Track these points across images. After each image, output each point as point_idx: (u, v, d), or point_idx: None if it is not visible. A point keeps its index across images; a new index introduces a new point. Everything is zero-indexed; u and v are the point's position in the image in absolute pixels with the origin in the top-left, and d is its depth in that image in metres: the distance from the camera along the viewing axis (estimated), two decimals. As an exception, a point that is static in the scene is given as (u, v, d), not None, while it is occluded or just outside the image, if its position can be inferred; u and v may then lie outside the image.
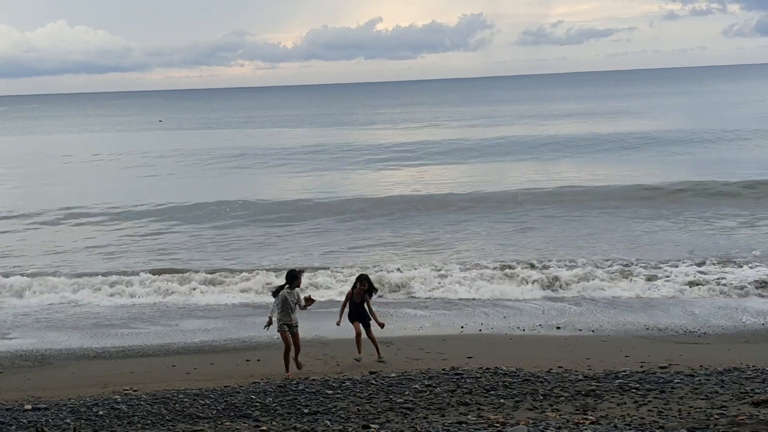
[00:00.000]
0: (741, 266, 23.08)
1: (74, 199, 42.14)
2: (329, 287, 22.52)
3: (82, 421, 12.16)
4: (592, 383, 13.24)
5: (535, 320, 19.24)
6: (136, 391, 13.94)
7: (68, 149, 76.82)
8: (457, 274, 23.36)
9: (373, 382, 13.80)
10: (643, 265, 23.55)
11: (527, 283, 22.25)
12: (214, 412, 12.50)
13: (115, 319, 20.87)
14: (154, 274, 24.45)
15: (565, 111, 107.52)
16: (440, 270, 23.87)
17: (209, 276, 24.05)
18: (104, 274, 24.90)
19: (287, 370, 14.77)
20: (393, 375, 14.25)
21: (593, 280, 22.19)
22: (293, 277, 14.85)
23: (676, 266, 23.26)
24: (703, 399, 12.08)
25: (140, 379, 14.91)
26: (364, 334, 15.68)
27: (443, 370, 14.53)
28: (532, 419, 11.26)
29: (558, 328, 18.52)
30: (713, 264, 23.44)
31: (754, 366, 14.09)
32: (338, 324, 15.70)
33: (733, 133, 62.64)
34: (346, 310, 15.81)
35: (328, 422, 11.63)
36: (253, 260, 26.68)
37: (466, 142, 66.05)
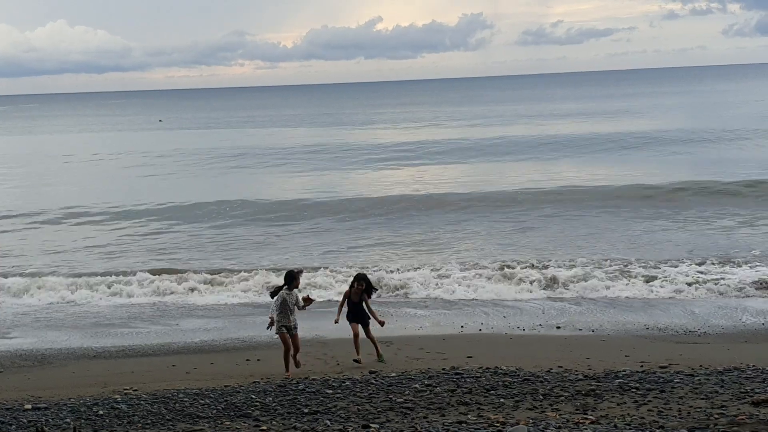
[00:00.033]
0: (741, 266, 23.09)
1: (74, 198, 42.15)
2: (329, 287, 22.51)
3: (82, 420, 12.16)
4: (592, 383, 13.24)
5: (535, 320, 19.23)
6: (136, 390, 13.94)
7: (68, 149, 76.82)
8: (456, 273, 23.37)
9: (373, 381, 13.80)
10: (642, 264, 23.56)
11: (527, 283, 22.24)
12: (214, 411, 12.50)
13: (114, 319, 20.87)
14: (153, 274, 24.45)
15: (565, 111, 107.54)
16: (440, 270, 23.87)
17: (209, 275, 24.05)
18: (104, 274, 24.90)
19: (287, 369, 14.77)
20: (393, 374, 14.25)
21: (593, 279, 22.18)
22: (292, 278, 14.82)
23: (676, 266, 23.27)
24: (703, 399, 12.08)
25: (140, 379, 14.90)
26: (362, 335, 15.63)
27: (443, 369, 14.53)
28: (532, 419, 11.26)
29: (558, 327, 18.52)
30: (713, 264, 23.45)
31: (754, 366, 14.09)
32: (336, 322, 15.65)
33: (733, 132, 62.66)
34: (345, 309, 15.77)
35: (328, 422, 11.63)
36: (252, 260, 26.68)
37: (466, 141, 66.05)
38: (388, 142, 68.45)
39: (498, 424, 11.00)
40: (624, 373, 13.83)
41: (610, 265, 23.55)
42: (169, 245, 30.14)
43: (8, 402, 13.43)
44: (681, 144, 57.60)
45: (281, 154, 62.24)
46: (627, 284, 21.78)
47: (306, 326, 17.68)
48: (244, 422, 11.87)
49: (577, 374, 13.89)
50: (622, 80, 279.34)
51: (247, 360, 16.20)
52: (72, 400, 13.38)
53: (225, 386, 13.95)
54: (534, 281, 22.30)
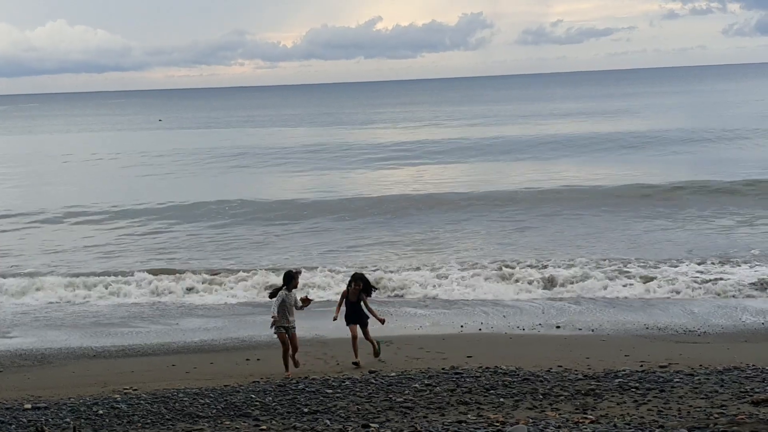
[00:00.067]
0: (740, 265, 23.09)
1: (73, 198, 42.14)
2: (328, 287, 22.49)
3: (82, 420, 12.16)
4: (592, 382, 13.25)
5: (534, 319, 19.24)
6: (135, 390, 13.94)
7: (68, 148, 76.82)
8: (456, 273, 23.37)
9: (373, 381, 13.80)
10: (642, 264, 23.56)
11: (526, 283, 22.23)
12: (214, 411, 12.50)
13: (114, 318, 20.87)
14: (153, 274, 24.43)
15: (565, 110, 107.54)
16: (439, 269, 23.87)
17: (208, 275, 24.05)
18: (103, 274, 24.89)
19: (287, 369, 14.77)
20: (393, 374, 14.25)
21: (592, 279, 22.17)
22: (290, 278, 14.83)
23: (676, 266, 23.28)
24: (702, 398, 12.08)
25: (140, 378, 14.91)
26: (361, 336, 15.57)
27: (443, 369, 14.54)
28: (531, 418, 11.26)
29: (558, 327, 18.52)
30: (713, 263, 23.45)
31: (753, 365, 14.09)
32: (334, 319, 15.51)
33: (732, 132, 62.66)
34: (343, 308, 15.66)
35: (328, 421, 11.63)
36: (252, 259, 26.68)
37: (466, 141, 66.06)
38: (387, 142, 68.45)
39: (498, 424, 11.01)
40: (624, 372, 13.84)
41: (610, 265, 23.55)
42: (168, 245, 30.14)
43: (8, 401, 13.43)
44: (680, 143, 57.60)
45: (281, 154, 62.24)
46: (626, 284, 21.77)
47: (306, 326, 17.69)
48: (244, 422, 11.87)
49: (576, 374, 13.90)
50: (622, 80, 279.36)
51: (247, 360, 16.20)
52: (72, 399, 13.39)
53: (225, 386, 13.95)
54: (533, 281, 22.30)
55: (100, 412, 12.56)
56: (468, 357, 15.54)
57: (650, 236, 28.20)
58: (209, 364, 16.01)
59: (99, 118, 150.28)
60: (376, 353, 15.59)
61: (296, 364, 14.87)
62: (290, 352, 14.84)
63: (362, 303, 15.51)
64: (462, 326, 18.80)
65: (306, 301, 14.92)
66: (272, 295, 14.88)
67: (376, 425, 11.25)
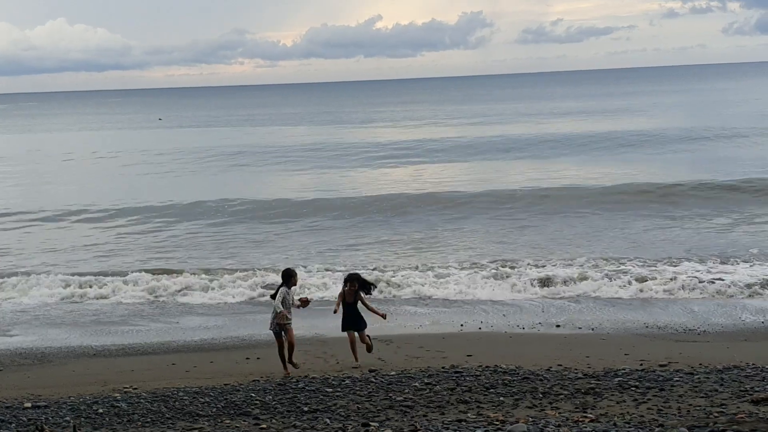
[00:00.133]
0: (740, 264, 23.11)
1: (73, 197, 42.13)
2: (327, 286, 22.47)
3: (82, 419, 12.16)
4: (592, 381, 13.25)
5: (534, 318, 19.24)
6: (135, 389, 13.94)
7: (68, 147, 76.78)
8: (455, 272, 23.37)
9: (373, 380, 13.81)
10: (641, 263, 23.57)
11: (526, 282, 22.22)
12: (214, 410, 12.50)
13: (114, 316, 20.88)
14: (153, 273, 24.44)
15: (565, 109, 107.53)
16: (439, 268, 23.87)
17: (208, 274, 24.04)
18: (103, 272, 24.90)
19: (285, 368, 14.75)
20: (393, 373, 14.26)
21: (592, 278, 22.18)
22: (289, 276, 14.83)
23: (675, 264, 23.29)
24: (702, 397, 12.09)
25: (140, 377, 14.91)
26: (358, 339, 15.45)
27: (443, 368, 14.54)
28: (531, 417, 11.27)
29: (557, 326, 18.53)
30: (712, 262, 23.46)
31: (753, 364, 14.10)
32: (335, 312, 15.36)
33: (732, 131, 62.65)
34: (340, 310, 15.48)
35: (328, 420, 11.63)
36: (252, 258, 26.68)
37: (465, 140, 66.05)
38: (387, 141, 68.43)
39: (497, 423, 11.01)
40: (623, 371, 13.84)
41: (610, 264, 23.56)
42: (168, 243, 30.15)
43: (8, 400, 13.43)
44: (680, 142, 57.59)
45: (281, 153, 62.22)
46: (626, 283, 21.76)
47: (305, 325, 17.71)
48: (244, 420, 11.88)
49: (576, 372, 13.90)
50: (622, 79, 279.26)
51: (247, 358, 16.21)
52: (72, 398, 13.39)
53: (225, 385, 13.96)
54: (533, 280, 22.29)
55: (100, 410, 12.56)
56: (468, 356, 15.54)
57: (649, 235, 28.21)
58: (209, 363, 16.01)
59: (99, 117, 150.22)
60: (369, 348, 15.40)
61: (295, 366, 14.82)
62: (285, 348, 14.76)
63: (361, 303, 15.38)
64: (462, 325, 18.80)
65: (305, 302, 14.90)
66: (273, 295, 14.88)
67: (376, 424, 11.26)
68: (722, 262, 23.42)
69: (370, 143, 67.33)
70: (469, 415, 11.63)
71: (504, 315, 19.68)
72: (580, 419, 11.06)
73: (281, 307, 14.54)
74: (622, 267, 23.16)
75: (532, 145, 60.22)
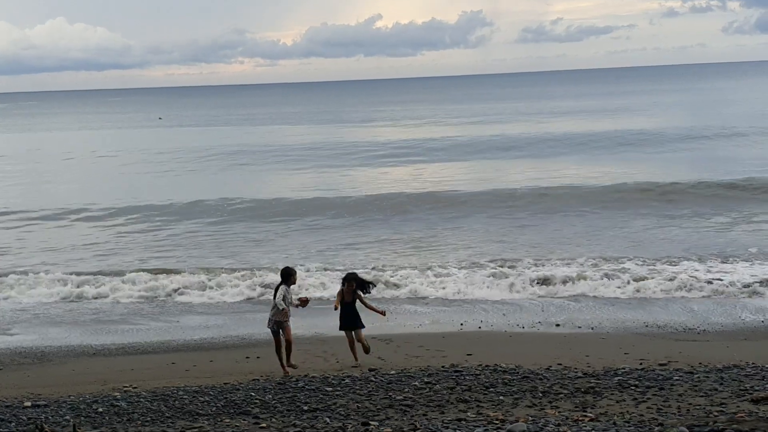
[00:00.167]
0: (739, 263, 23.11)
1: (73, 196, 42.13)
2: (326, 286, 22.44)
3: (82, 418, 12.16)
4: (592, 380, 13.25)
5: (534, 317, 19.24)
6: (135, 388, 13.95)
7: (67, 146, 76.76)
8: (455, 271, 23.37)
9: (373, 379, 13.81)
10: (641, 262, 23.57)
11: (526, 281, 22.21)
12: (214, 409, 12.51)
13: (114, 315, 20.89)
14: (153, 272, 24.44)
15: (565, 108, 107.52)
16: (439, 267, 23.87)
17: (208, 273, 24.04)
18: (103, 271, 24.91)
19: (283, 367, 14.70)
20: (392, 372, 14.26)
21: (592, 277, 22.17)
22: (288, 275, 14.81)
23: (675, 263, 23.29)
24: (702, 396, 12.09)
25: (140, 376, 14.91)
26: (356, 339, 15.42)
27: (443, 367, 14.54)
28: (531, 416, 11.27)
29: (557, 325, 18.53)
30: (712, 261, 23.47)
31: (753, 363, 14.11)
32: (336, 308, 15.39)
33: (731, 130, 62.66)
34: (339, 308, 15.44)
35: (328, 419, 11.63)
36: (252, 257, 26.68)
37: (465, 139, 66.05)
38: (387, 140, 68.41)
39: (497, 422, 11.01)
40: (623, 370, 13.85)
41: (609, 263, 23.56)
42: (168, 243, 30.15)
43: (8, 399, 13.44)
44: (680, 141, 57.60)
45: (280, 152, 62.21)
46: (625, 282, 21.76)
47: (305, 324, 17.72)
48: (244, 419, 11.88)
49: (576, 372, 13.91)
50: (622, 78, 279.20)
51: (247, 357, 16.20)
52: (72, 397, 13.39)
53: (224, 384, 13.96)
54: (533, 279, 22.28)
55: (100, 410, 12.56)
56: (468, 355, 15.54)
57: (649, 234, 28.22)
58: (209, 362, 16.01)
59: (99, 116, 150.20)
60: (366, 350, 15.35)
61: (293, 367, 14.75)
62: (283, 347, 14.72)
63: (360, 301, 15.37)
64: (462, 324, 18.80)
65: (304, 302, 14.87)
66: (274, 295, 14.84)
67: (376, 423, 11.26)
68: (722, 261, 23.43)
69: (370, 142, 67.31)
70: (468, 414, 11.64)
71: (504, 314, 19.69)
72: (580, 418, 11.06)
73: (283, 303, 14.53)
74: (622, 266, 23.15)
75: (532, 144, 60.22)
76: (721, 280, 21.54)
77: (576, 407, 11.83)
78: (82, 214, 36.60)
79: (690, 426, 10.32)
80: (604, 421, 10.92)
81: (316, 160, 55.79)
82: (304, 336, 17.41)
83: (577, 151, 55.34)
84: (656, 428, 10.41)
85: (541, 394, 12.58)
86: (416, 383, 13.40)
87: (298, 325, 16.98)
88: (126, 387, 14.04)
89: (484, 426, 10.80)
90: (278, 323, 14.66)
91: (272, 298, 14.94)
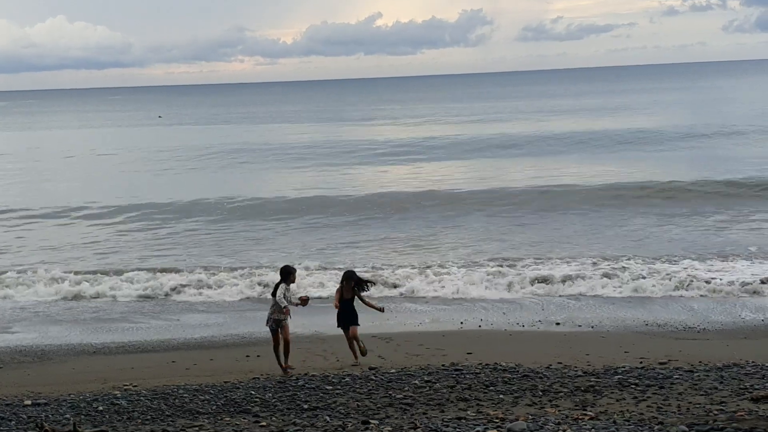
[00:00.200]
0: (739, 262, 23.11)
1: (73, 194, 42.15)
2: (325, 285, 22.42)
3: (82, 416, 12.17)
4: (592, 379, 13.26)
5: (534, 316, 19.25)
6: (135, 386, 13.95)
7: (67, 145, 76.78)
8: (455, 270, 23.37)
9: (373, 377, 13.82)
10: (641, 261, 23.57)
11: (526, 279, 22.21)
12: (214, 407, 12.51)
13: (114, 314, 20.90)
14: (153, 271, 24.45)
15: (565, 107, 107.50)
16: (439, 266, 23.87)
17: (208, 271, 24.04)
18: (103, 270, 24.91)
19: (281, 366, 14.66)
20: (392, 371, 14.26)
21: (592, 276, 22.17)
22: (288, 273, 14.79)
23: (675, 262, 23.29)
24: (702, 395, 12.09)
25: (140, 375, 14.91)
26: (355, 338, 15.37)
27: (443, 365, 14.54)
28: (531, 415, 11.27)
29: (557, 324, 18.54)
30: (712, 260, 23.46)
31: (753, 362, 14.11)
32: (336, 307, 15.43)
33: (731, 128, 62.67)
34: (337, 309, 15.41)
35: (328, 418, 11.64)
36: (251, 256, 26.68)
37: (465, 137, 66.03)
38: (387, 139, 68.43)
39: (497, 420, 11.01)
40: (623, 369, 13.85)
41: (609, 261, 23.55)
42: (168, 241, 30.16)
43: (8, 398, 13.44)
44: (680, 140, 57.60)
45: (280, 150, 62.21)
46: (626, 280, 21.75)
47: (306, 322, 17.72)
48: (244, 418, 11.88)
49: (576, 370, 13.91)
50: (622, 76, 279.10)
51: (247, 356, 16.20)
52: (72, 395, 13.39)
53: (225, 382, 13.96)
54: (533, 278, 22.28)
55: (100, 408, 12.57)
56: (468, 353, 15.54)
57: (649, 233, 28.22)
58: (209, 361, 16.02)
59: (99, 115, 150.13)
60: (363, 352, 15.31)
61: (290, 368, 14.68)
62: (281, 346, 14.70)
63: (358, 298, 15.38)
64: (462, 323, 18.81)
65: (304, 301, 14.85)
66: (274, 293, 14.81)
67: (376, 422, 11.26)
68: (722, 260, 23.42)
69: (370, 141, 67.31)
70: (468, 412, 11.64)
71: (504, 313, 19.69)
72: (580, 417, 11.06)
73: (284, 301, 14.53)
74: (622, 265, 23.15)
75: (532, 142, 60.23)
76: (721, 278, 21.54)
77: (576, 406, 11.84)
78: (82, 213, 36.61)
79: (690, 424, 10.33)
80: (604, 419, 10.93)
81: (316, 159, 55.78)
82: (304, 335, 17.42)
83: (577, 149, 55.34)
84: (656, 427, 10.42)
85: (541, 393, 12.58)
86: (416, 382, 13.41)
87: (298, 323, 16.98)
88: (126, 385, 14.04)
89: (484, 424, 10.81)
90: (277, 321, 14.66)
91: (271, 296, 14.93)
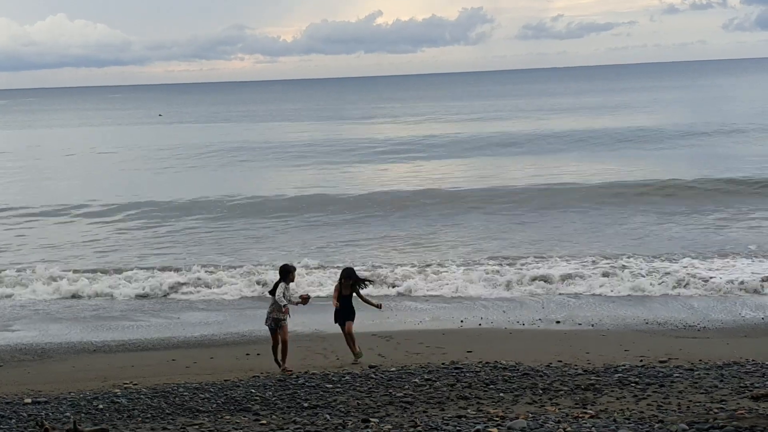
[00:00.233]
0: (740, 260, 23.10)
1: (73, 193, 42.17)
2: (324, 284, 22.41)
3: (82, 414, 12.17)
4: (592, 377, 13.26)
5: (534, 314, 19.25)
6: (136, 384, 13.95)
7: (67, 143, 76.80)
8: (455, 268, 23.37)
9: (373, 376, 13.81)
10: (641, 259, 23.55)
11: (526, 278, 22.20)
12: (214, 405, 12.51)
13: (114, 312, 20.91)
14: (153, 269, 24.45)
15: (565, 105, 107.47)
16: (439, 264, 23.87)
17: (208, 270, 24.02)
18: (103, 268, 24.93)
19: (278, 364, 14.61)
20: (393, 369, 14.26)
21: (591, 274, 22.17)
22: (287, 272, 14.75)
23: (675, 261, 23.28)
24: (702, 393, 12.09)
25: (140, 373, 14.91)
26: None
27: (443, 364, 14.54)
28: (531, 413, 11.27)
29: (557, 322, 18.54)
30: (712, 258, 23.45)
31: (753, 360, 14.10)
32: (336, 306, 15.41)
33: (732, 127, 62.64)
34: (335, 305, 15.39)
35: (328, 416, 11.64)
36: (251, 254, 26.69)
37: (465, 136, 66.01)
38: (387, 137, 68.43)
39: (497, 419, 11.01)
40: (623, 367, 13.85)
41: (609, 260, 23.54)
42: (167, 239, 30.17)
43: (8, 396, 13.43)
44: (680, 138, 57.58)
45: (280, 149, 62.21)
46: (626, 279, 21.75)
47: (306, 321, 17.72)
48: (244, 416, 11.88)
49: (576, 369, 13.91)
50: (622, 75, 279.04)
51: (247, 354, 16.20)
52: (72, 394, 13.39)
53: (225, 380, 13.95)
54: (533, 276, 22.27)
55: (101, 406, 12.57)
56: (468, 352, 15.54)
57: (649, 231, 28.22)
58: (209, 359, 16.02)
59: (99, 113, 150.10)
60: (357, 355, 15.22)
61: (286, 370, 14.62)
62: (279, 346, 14.66)
63: (356, 295, 15.36)
64: (462, 321, 18.80)
65: (305, 299, 14.83)
66: (272, 292, 14.78)
67: (376, 420, 11.26)
68: (722, 258, 23.40)
69: (370, 139, 67.32)
70: (468, 411, 11.64)
71: (504, 311, 19.69)
72: (580, 415, 11.06)
73: (284, 300, 14.51)
74: (622, 263, 23.13)
75: (532, 141, 60.23)
76: (721, 277, 21.52)
77: (576, 404, 11.83)
78: (83, 211, 36.62)
79: (690, 423, 10.33)
80: (605, 418, 10.92)
81: (316, 157, 55.78)
82: (304, 333, 17.43)
83: (577, 147, 55.34)
84: (656, 425, 10.41)
85: (541, 391, 12.58)
86: (416, 380, 13.41)
87: (298, 322, 16.99)
88: (126, 384, 14.04)
89: (484, 423, 10.80)
90: (276, 321, 14.62)
91: (270, 294, 14.89)
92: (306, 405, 12.33)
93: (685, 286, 21.06)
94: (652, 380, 12.91)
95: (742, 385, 12.41)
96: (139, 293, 22.65)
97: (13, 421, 11.91)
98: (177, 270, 24.19)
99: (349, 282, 15.31)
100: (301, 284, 20.95)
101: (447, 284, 22.12)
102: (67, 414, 12.14)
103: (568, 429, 10.22)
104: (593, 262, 23.43)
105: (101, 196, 39.95)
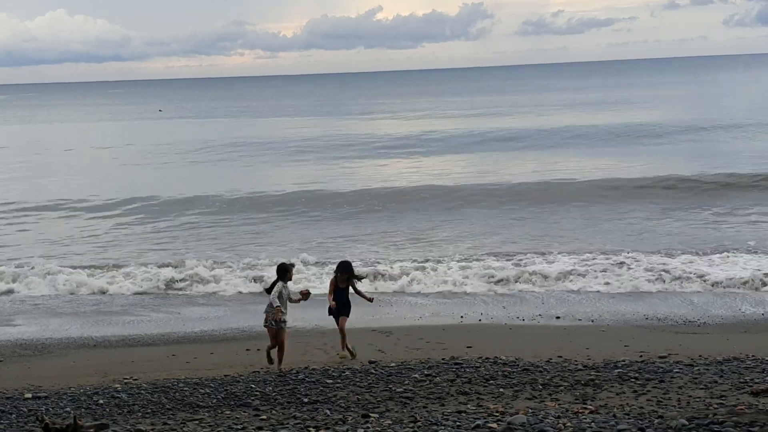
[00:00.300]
0: (740, 256, 23.10)
1: (73, 188, 42.15)
2: (323, 280, 22.34)
3: (83, 409, 12.18)
4: (592, 373, 13.27)
5: (534, 310, 19.25)
6: (136, 380, 13.96)
7: (67, 139, 76.76)
8: (454, 264, 23.36)
9: (373, 371, 13.82)
10: (641, 255, 23.54)
11: (526, 273, 22.20)
12: (214, 401, 12.52)
13: (114, 307, 20.91)
14: (152, 264, 24.45)
15: (565, 101, 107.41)
16: (439, 260, 23.87)
17: (208, 265, 24.02)
18: (103, 263, 24.94)
19: (270, 362, 14.47)
20: (392, 364, 14.27)
21: (592, 270, 22.16)
22: (285, 270, 14.60)
23: (675, 256, 23.28)
24: (702, 389, 12.10)
25: (140, 368, 14.92)
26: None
27: (443, 359, 14.55)
28: (531, 408, 11.28)
29: (557, 317, 18.54)
30: (712, 254, 23.46)
31: (753, 356, 14.11)
32: (330, 301, 15.36)
33: (732, 122, 62.62)
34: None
35: (328, 411, 11.65)
36: (251, 249, 26.69)
37: (465, 131, 65.99)
38: (387, 132, 68.40)
39: (497, 414, 11.02)
40: (623, 363, 13.86)
41: (609, 255, 23.54)
42: (167, 235, 30.18)
43: (9, 391, 13.45)
44: (680, 134, 57.57)
45: (280, 144, 62.19)
46: (626, 275, 21.74)
47: (306, 316, 17.72)
48: (244, 411, 11.89)
49: (576, 364, 13.92)
50: (623, 70, 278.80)
51: (247, 350, 16.20)
52: (72, 389, 13.41)
53: (225, 376, 13.97)
54: (533, 271, 22.27)
55: (101, 401, 12.58)
56: (468, 347, 15.55)
57: (648, 226, 28.23)
58: (209, 354, 16.02)
59: (99, 108, 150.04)
60: (352, 354, 15.09)
61: (275, 361, 14.52)
62: (275, 348, 14.54)
63: (352, 287, 15.28)
64: (462, 317, 18.81)
65: (305, 295, 14.77)
66: (269, 290, 14.68)
67: (376, 415, 11.27)
68: (721, 254, 23.40)
69: (370, 135, 67.28)
70: (468, 406, 11.65)
71: (504, 306, 19.69)
72: (580, 411, 11.07)
73: (278, 301, 14.38)
74: (623, 259, 23.12)
75: (532, 136, 60.19)
76: (721, 272, 21.53)
77: (576, 399, 11.85)
78: (82, 206, 36.61)
79: (690, 418, 10.33)
80: (604, 413, 10.94)
81: (315, 153, 55.76)
82: (305, 328, 17.45)
83: (577, 143, 55.31)
84: (656, 421, 10.42)
85: (541, 387, 12.59)
86: (416, 375, 13.42)
87: (298, 317, 17.02)
88: (127, 379, 14.06)
89: (484, 418, 10.81)
90: (276, 321, 14.42)
91: (267, 293, 14.74)
92: (306, 400, 12.34)
93: (684, 282, 21.06)
94: (652, 376, 12.92)
95: (741, 380, 12.43)
96: (139, 288, 22.64)
97: (14, 416, 11.92)
98: (176, 265, 24.18)
99: (345, 276, 15.24)
100: (298, 281, 20.90)
101: (446, 280, 22.12)
102: (68, 409, 12.16)
103: (568, 424, 10.23)
104: (593, 257, 23.42)
105: (100, 192, 39.95)
